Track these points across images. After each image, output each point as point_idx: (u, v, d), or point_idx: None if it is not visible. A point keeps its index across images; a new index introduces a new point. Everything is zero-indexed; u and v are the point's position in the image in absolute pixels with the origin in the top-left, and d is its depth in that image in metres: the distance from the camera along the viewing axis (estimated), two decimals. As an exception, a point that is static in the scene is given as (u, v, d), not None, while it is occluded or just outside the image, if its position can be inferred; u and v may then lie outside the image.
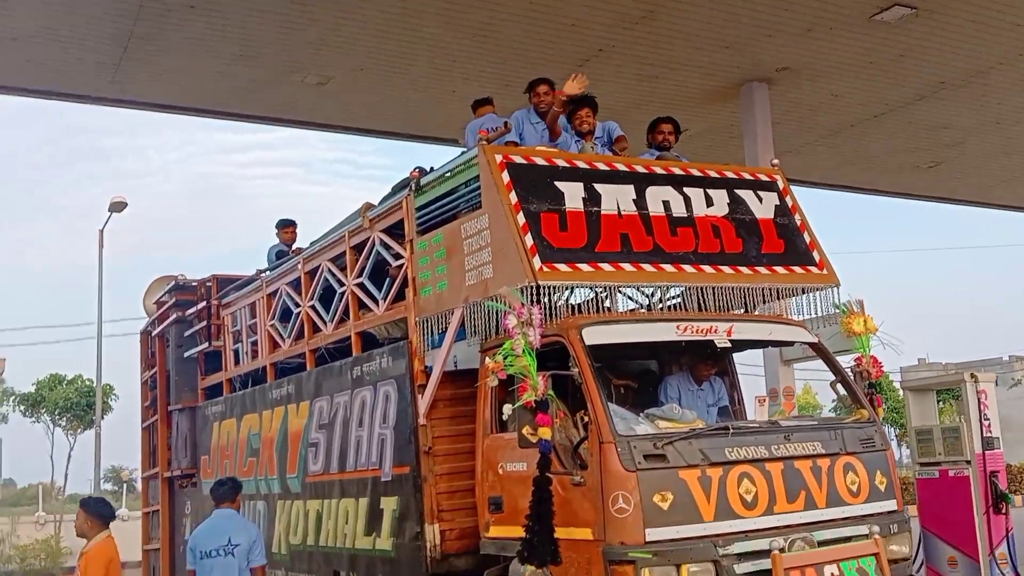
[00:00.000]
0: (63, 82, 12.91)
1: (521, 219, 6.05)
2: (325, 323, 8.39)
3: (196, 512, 10.68)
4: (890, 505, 6.06)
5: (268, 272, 9.77)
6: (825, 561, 5.39)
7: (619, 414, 5.67)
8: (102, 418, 24.95)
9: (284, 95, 13.29)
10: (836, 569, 5.38)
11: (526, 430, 5.35)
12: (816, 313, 6.97)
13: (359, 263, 7.86)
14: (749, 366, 10.91)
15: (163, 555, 11.45)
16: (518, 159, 6.36)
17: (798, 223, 7.10)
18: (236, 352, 10.24)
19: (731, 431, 5.73)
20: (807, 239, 7.07)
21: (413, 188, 7.14)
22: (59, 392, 46.13)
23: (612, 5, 10.85)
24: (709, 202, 6.76)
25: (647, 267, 6.30)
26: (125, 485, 44.39)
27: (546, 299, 5.90)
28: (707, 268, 6.48)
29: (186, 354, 11.10)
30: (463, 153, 6.99)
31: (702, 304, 6.40)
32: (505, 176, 6.20)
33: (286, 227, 10.64)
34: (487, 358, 5.98)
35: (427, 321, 6.84)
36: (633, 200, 6.49)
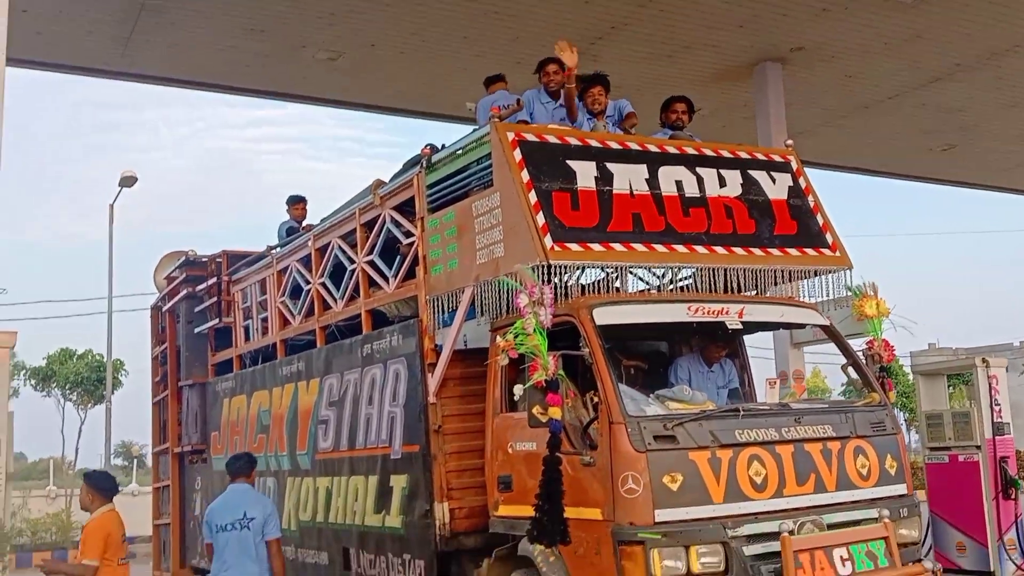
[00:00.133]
0: (73, 55, 12.90)
1: (533, 198, 6.02)
2: (335, 300, 8.38)
3: (206, 487, 10.74)
4: (900, 489, 6.04)
5: (278, 248, 9.76)
6: (834, 544, 5.37)
7: (629, 395, 5.66)
8: (112, 393, 25.07)
9: (294, 71, 13.25)
10: (845, 552, 5.37)
11: (536, 410, 5.35)
12: (828, 296, 6.93)
13: (370, 240, 7.85)
14: (759, 349, 10.89)
15: (173, 530, 11.52)
16: (530, 137, 6.32)
17: (811, 204, 7.05)
18: (246, 328, 10.25)
19: (741, 413, 5.71)
20: (820, 221, 7.02)
21: (424, 165, 7.11)
22: (69, 367, 46.34)
23: (626, -17, 10.78)
24: (722, 182, 6.72)
25: (659, 247, 6.27)
26: (135, 460, 44.65)
27: (557, 279, 5.88)
28: (719, 249, 6.44)
29: (196, 330, 11.11)
30: (475, 130, 6.95)
31: (713, 285, 6.37)
32: (517, 154, 6.16)
33: (296, 203, 10.61)
34: (498, 337, 5.98)
35: (438, 299, 6.83)
36: (645, 180, 6.44)
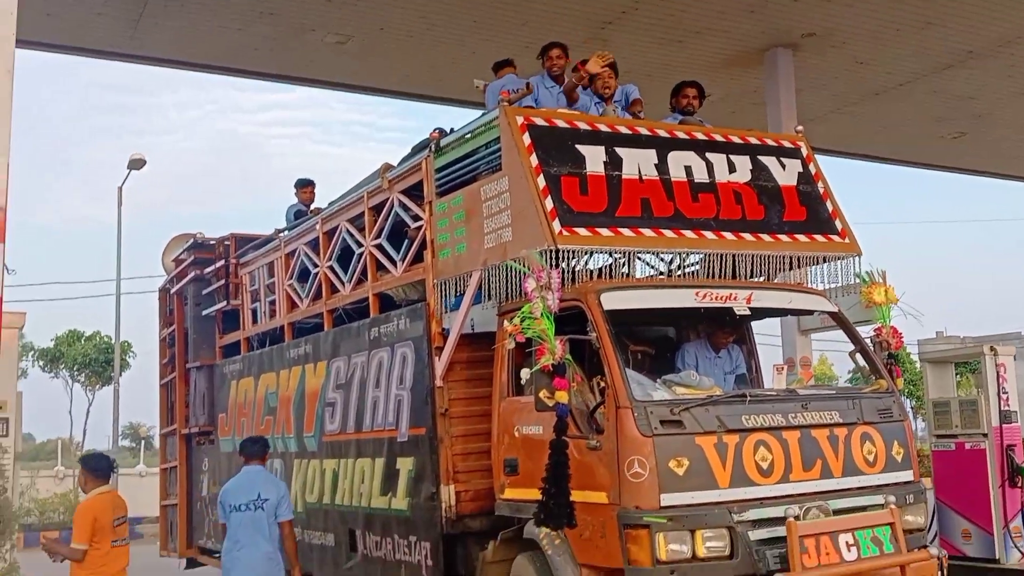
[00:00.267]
0: (83, 37, 12.90)
1: (541, 182, 6.01)
2: (343, 284, 8.39)
3: (213, 468, 10.80)
4: (906, 476, 6.03)
5: (286, 232, 9.77)
6: (840, 530, 5.37)
7: (636, 379, 5.66)
8: (120, 375, 25.17)
9: (302, 54, 13.23)
10: (851, 538, 5.36)
11: (543, 394, 5.35)
12: (837, 282, 6.92)
13: (377, 224, 7.85)
14: (766, 335, 10.88)
15: (180, 510, 11.59)
16: (539, 121, 6.30)
17: (821, 191, 7.02)
18: (254, 311, 10.28)
19: (748, 399, 5.71)
20: (830, 207, 6.99)
21: (433, 149, 7.10)
22: (77, 348, 46.53)
23: (636, -33, 10.72)
24: (732, 168, 6.69)
25: (667, 233, 6.25)
26: (143, 441, 44.93)
27: (565, 263, 5.88)
28: (728, 235, 6.43)
29: (204, 312, 11.14)
30: (484, 114, 6.93)
31: (722, 271, 6.36)
32: (526, 138, 6.15)
33: (304, 187, 10.63)
34: (505, 321, 5.99)
35: (445, 283, 6.83)
36: (655, 165, 6.42)
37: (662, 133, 6.68)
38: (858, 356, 6.64)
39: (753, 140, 7.00)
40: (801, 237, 6.72)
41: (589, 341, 5.67)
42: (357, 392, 7.92)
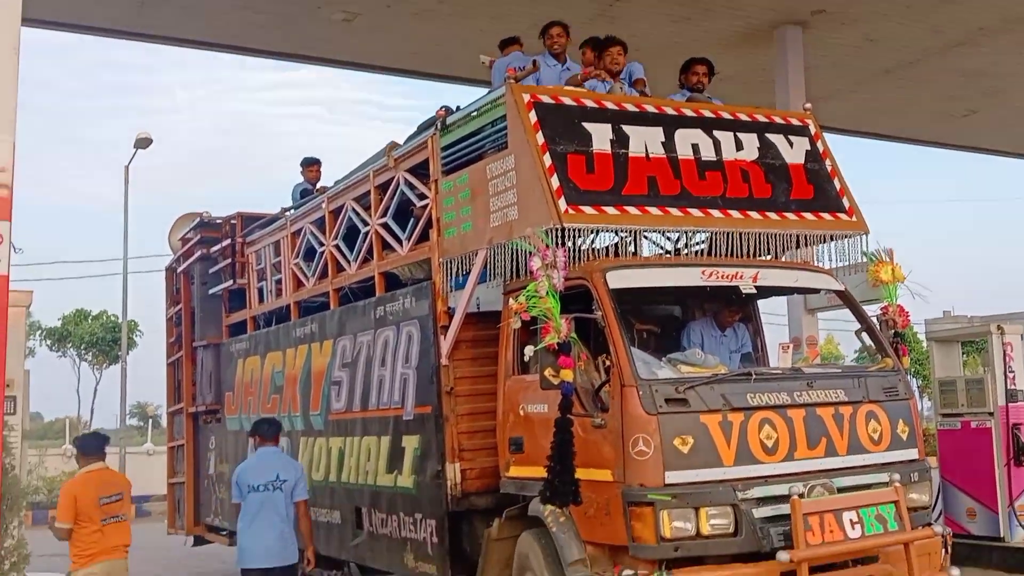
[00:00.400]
0: (89, 15, 12.86)
1: (547, 160, 5.99)
2: (349, 263, 8.39)
3: (220, 447, 10.85)
4: (911, 454, 6.04)
5: (292, 211, 9.77)
6: (844, 507, 5.38)
7: (641, 358, 5.66)
8: (127, 354, 25.28)
9: (309, 32, 13.16)
10: (855, 516, 5.37)
11: (548, 372, 5.36)
12: (844, 261, 6.89)
13: (383, 203, 7.83)
14: (773, 315, 10.87)
15: (188, 488, 11.67)
16: (546, 99, 6.28)
17: (829, 169, 6.99)
18: (260, 290, 10.29)
19: (754, 377, 5.70)
20: (837, 185, 6.95)
21: (439, 127, 7.07)
22: (85, 327, 46.74)
23: (644, -57, 10.62)
24: (739, 146, 6.66)
25: (674, 211, 6.23)
26: (151, 420, 45.16)
27: (571, 242, 5.86)
28: (734, 213, 6.40)
29: (211, 291, 11.17)
30: (490, 92, 6.90)
31: (728, 250, 6.33)
32: (532, 116, 6.12)
33: (310, 165, 10.60)
34: (510, 300, 5.98)
35: (451, 262, 6.82)
36: (661, 143, 6.39)
37: (669, 111, 6.65)
38: (864, 335, 6.63)
39: (761, 118, 6.96)
40: (808, 215, 6.69)
41: (594, 320, 5.67)
42: (363, 371, 7.94)
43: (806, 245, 6.81)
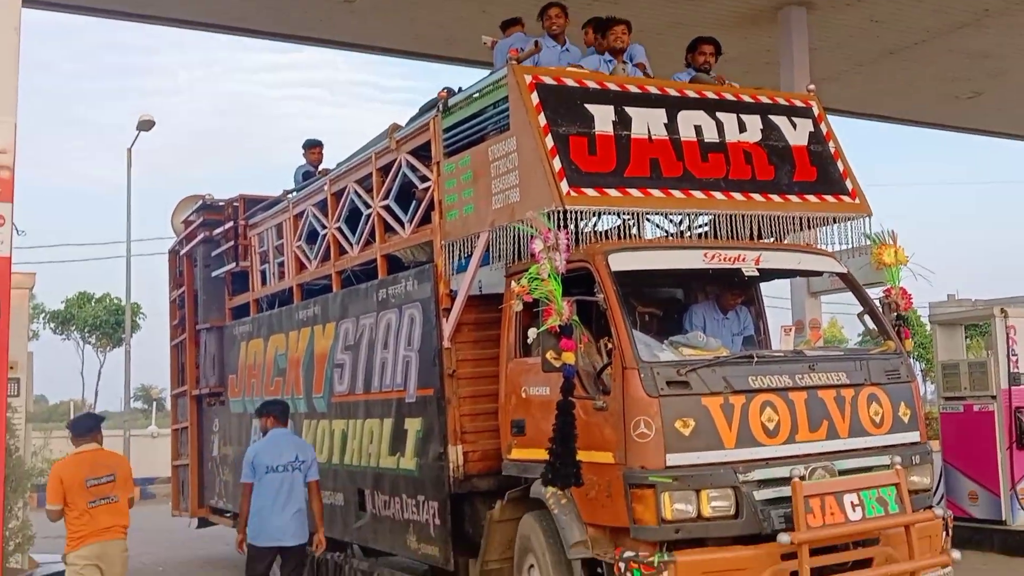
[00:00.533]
0: (90, -3, 12.80)
1: (549, 142, 5.96)
2: (351, 245, 8.39)
3: (224, 429, 10.88)
4: (913, 436, 6.03)
5: (295, 193, 9.75)
6: (845, 490, 5.38)
7: (643, 341, 5.66)
8: (130, 336, 25.32)
9: (311, 13, 13.10)
10: (856, 498, 5.37)
11: (550, 354, 5.36)
12: (847, 244, 6.87)
13: (385, 185, 7.82)
14: (776, 298, 10.85)
15: (192, 470, 11.71)
16: (548, 80, 6.24)
17: (832, 151, 6.95)
18: (263, 273, 10.30)
19: (755, 360, 5.70)
20: (840, 167, 6.92)
21: (441, 109, 7.05)
22: (88, 310, 46.84)
23: (648, -77, 10.53)
24: (742, 128, 6.63)
25: (676, 193, 6.21)
26: (155, 403, 45.32)
27: (573, 224, 5.85)
28: (737, 195, 6.38)
29: (213, 274, 11.18)
30: (492, 73, 6.87)
31: (731, 232, 6.31)
32: (534, 97, 6.09)
33: (313, 148, 10.58)
34: (512, 282, 5.97)
35: (453, 245, 6.81)
36: (664, 124, 6.37)
37: (672, 92, 6.61)
38: (867, 317, 6.61)
39: (764, 99, 6.92)
40: (811, 198, 6.67)
41: (596, 302, 5.66)
42: (365, 353, 7.95)
43: (809, 227, 6.78)
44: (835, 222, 6.82)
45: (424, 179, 7.30)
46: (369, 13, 13.05)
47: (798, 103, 7.09)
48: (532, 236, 5.61)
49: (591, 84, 6.36)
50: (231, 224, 10.75)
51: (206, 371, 11.29)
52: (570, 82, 6.31)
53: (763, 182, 6.53)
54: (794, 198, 6.59)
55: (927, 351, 25.31)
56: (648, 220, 6.76)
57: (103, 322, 46.49)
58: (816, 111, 7.06)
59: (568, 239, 5.58)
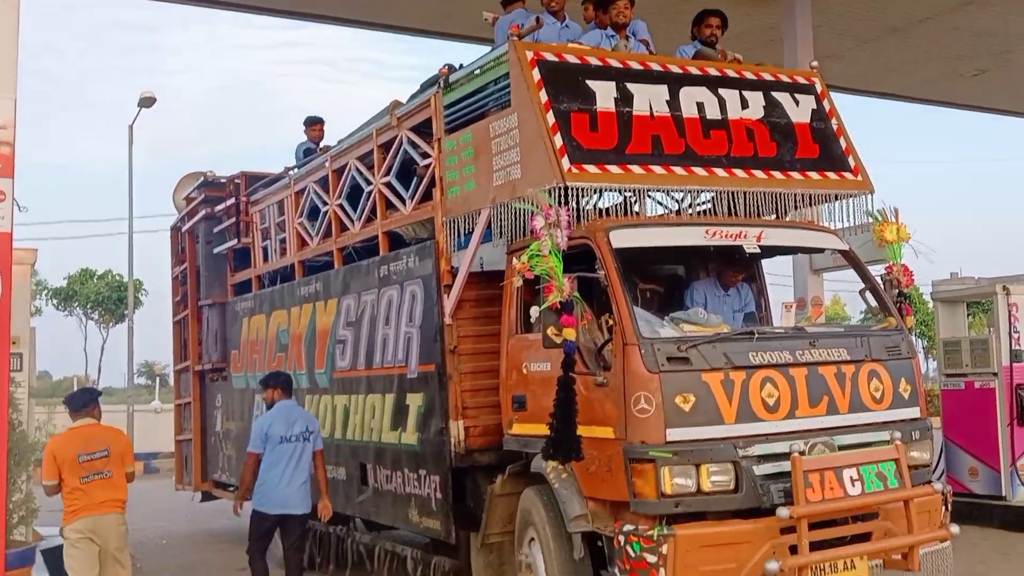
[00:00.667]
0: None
1: (551, 119, 5.96)
2: (352, 222, 8.39)
3: (227, 404, 10.93)
4: (913, 412, 6.05)
5: (296, 170, 9.74)
6: (845, 465, 5.40)
7: (644, 317, 5.68)
8: (133, 312, 25.38)
9: (313, -11, 13.05)
10: (855, 473, 5.39)
11: (551, 331, 5.37)
12: (849, 221, 6.87)
13: (386, 162, 7.81)
14: (778, 275, 10.84)
15: (195, 445, 11.77)
16: (549, 57, 6.22)
17: (834, 128, 6.94)
18: (265, 249, 10.31)
19: (756, 336, 5.71)
20: (843, 144, 6.91)
21: (442, 85, 7.03)
22: (90, 287, 46.95)
23: (651, -103, 10.42)
24: (744, 104, 6.61)
25: (678, 170, 6.21)
26: (158, 379, 45.50)
27: (574, 201, 5.84)
28: (739, 172, 6.37)
29: (215, 250, 11.19)
30: (493, 49, 6.84)
31: (733, 209, 6.31)
32: (536, 74, 6.08)
33: (314, 124, 10.56)
34: (514, 259, 5.98)
35: (454, 221, 6.81)
36: (666, 101, 6.35)
37: (674, 69, 6.59)
38: (868, 294, 6.62)
39: (767, 76, 6.90)
40: (813, 174, 6.66)
41: (597, 279, 5.67)
42: (367, 329, 7.97)
43: (811, 204, 6.78)
44: (837, 199, 6.82)
45: (425, 156, 7.29)
46: (370, -12, 12.99)
47: (801, 80, 7.06)
48: (533, 213, 5.61)
49: (593, 60, 6.33)
50: (233, 201, 10.75)
51: (208, 347, 11.33)
52: (572, 59, 6.29)
53: (765, 159, 6.52)
54: (796, 175, 6.58)
55: (929, 328, 25.36)
56: (650, 197, 6.75)
57: (105, 298, 46.62)
58: (819, 88, 7.04)
59: (569, 216, 5.58)
